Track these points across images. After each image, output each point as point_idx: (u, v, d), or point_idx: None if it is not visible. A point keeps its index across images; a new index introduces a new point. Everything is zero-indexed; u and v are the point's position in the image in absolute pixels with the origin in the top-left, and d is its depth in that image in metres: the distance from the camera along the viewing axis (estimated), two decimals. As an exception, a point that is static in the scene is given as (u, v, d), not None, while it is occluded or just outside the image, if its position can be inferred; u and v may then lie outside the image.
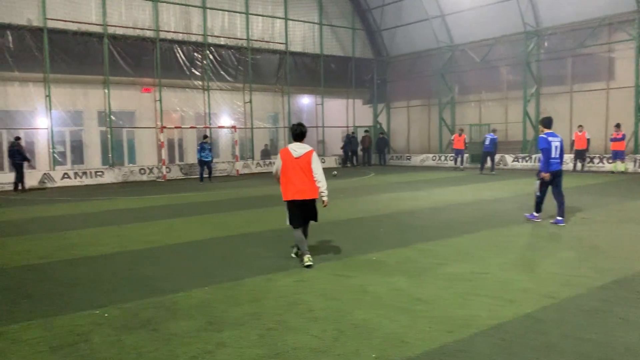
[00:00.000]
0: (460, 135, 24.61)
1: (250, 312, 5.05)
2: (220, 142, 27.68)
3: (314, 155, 7.01)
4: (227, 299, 5.48)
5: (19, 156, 18.77)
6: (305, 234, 7.07)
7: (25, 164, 19.26)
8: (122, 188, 19.94)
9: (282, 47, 28.01)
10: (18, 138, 19.37)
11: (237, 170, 25.26)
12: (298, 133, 7.14)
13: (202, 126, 25.39)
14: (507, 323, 4.59)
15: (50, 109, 21.26)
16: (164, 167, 23.33)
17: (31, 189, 19.76)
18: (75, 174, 21.48)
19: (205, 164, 21.18)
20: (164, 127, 23.41)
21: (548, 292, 5.47)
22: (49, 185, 20.68)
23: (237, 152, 25.71)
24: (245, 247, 8.17)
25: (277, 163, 7.26)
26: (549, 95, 24.68)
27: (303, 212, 7.00)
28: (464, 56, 27.75)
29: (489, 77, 27.06)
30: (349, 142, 29.96)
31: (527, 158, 24.29)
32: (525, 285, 5.72)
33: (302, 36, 29.05)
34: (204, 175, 21.45)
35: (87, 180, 21.63)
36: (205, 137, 21.42)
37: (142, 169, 23.44)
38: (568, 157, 21.48)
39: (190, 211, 12.67)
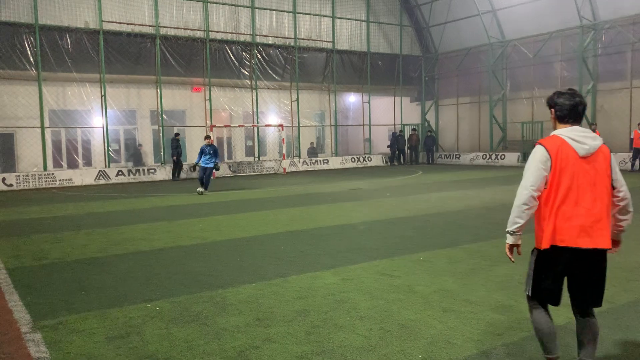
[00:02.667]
0: None
1: (297, 309, 5.09)
2: (268, 140, 28.04)
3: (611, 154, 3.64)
4: (274, 296, 5.54)
5: (174, 151, 21.99)
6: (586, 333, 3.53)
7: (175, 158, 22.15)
8: (173, 185, 20.48)
9: (329, 46, 28.07)
10: (177, 134, 22.60)
11: (284, 169, 25.49)
12: (576, 107, 3.76)
13: (250, 124, 25.78)
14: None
15: (106, 108, 22.07)
16: (213, 164, 23.80)
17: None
18: (129, 171, 22.22)
19: (204, 170, 16.11)
20: (214, 126, 23.90)
21: (605, 296, 5.24)
22: (104, 182, 21.49)
23: (284, 151, 25.96)
24: (292, 245, 8.24)
25: (533, 168, 3.52)
26: (606, 91, 23.70)
27: (580, 274, 3.43)
28: (516, 52, 27.01)
29: (542, 73, 26.24)
30: (396, 140, 29.69)
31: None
32: (580, 289, 5.51)
33: (349, 34, 29.01)
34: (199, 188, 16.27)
35: (140, 177, 22.34)
36: (205, 138, 16.67)
37: (193, 166, 23.97)
38: (627, 156, 20.59)
39: (238, 208, 12.89)
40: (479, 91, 29.45)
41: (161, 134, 23.61)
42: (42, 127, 20.74)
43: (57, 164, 22.40)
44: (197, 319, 4.86)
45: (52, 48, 20.88)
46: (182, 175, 22.79)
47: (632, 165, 20.37)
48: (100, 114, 22.30)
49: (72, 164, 22.75)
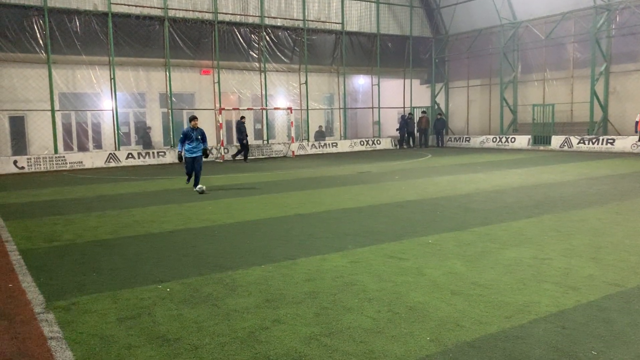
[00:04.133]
0: None
1: (306, 290, 5.13)
2: (276, 123, 27.99)
3: None
4: (283, 278, 5.58)
5: (240, 133, 22.76)
6: None
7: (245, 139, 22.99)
8: (183, 168, 20.54)
9: (338, 27, 27.82)
10: (243, 117, 23.24)
11: (293, 152, 25.48)
12: None
13: (258, 107, 25.74)
14: (569, 310, 4.44)
15: (115, 91, 22.10)
16: (222, 147, 23.85)
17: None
18: (139, 154, 22.32)
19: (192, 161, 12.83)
20: (223, 109, 23.89)
21: (614, 279, 5.25)
22: (114, 164, 21.61)
23: (293, 134, 25.91)
24: (301, 227, 8.26)
25: None
26: (619, 73, 23.36)
27: None
28: (528, 33, 26.63)
29: (554, 54, 25.89)
30: (406, 123, 29.52)
31: (594, 140, 23.15)
32: (590, 272, 5.50)
33: (358, 15, 28.71)
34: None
35: (149, 160, 22.44)
36: (190, 119, 12.94)
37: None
38: (636, 139, 20.35)
39: (247, 191, 12.93)
40: (490, 73, 29.12)
41: (170, 117, 23.64)
42: (53, 110, 20.83)
43: (68, 147, 22.53)
44: (207, 300, 4.92)
45: (62, 31, 20.86)
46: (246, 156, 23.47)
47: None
48: (109, 96, 22.34)
49: (83, 147, 22.88)
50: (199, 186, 12.62)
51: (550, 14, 24.99)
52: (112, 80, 21.96)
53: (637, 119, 19.79)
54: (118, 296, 5.12)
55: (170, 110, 23.56)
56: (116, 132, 22.29)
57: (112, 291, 5.27)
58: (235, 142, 25.00)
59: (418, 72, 31.76)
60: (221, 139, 23.97)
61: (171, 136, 23.74)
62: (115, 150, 22.18)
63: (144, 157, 22.36)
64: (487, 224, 8.14)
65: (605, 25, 23.35)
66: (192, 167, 12.83)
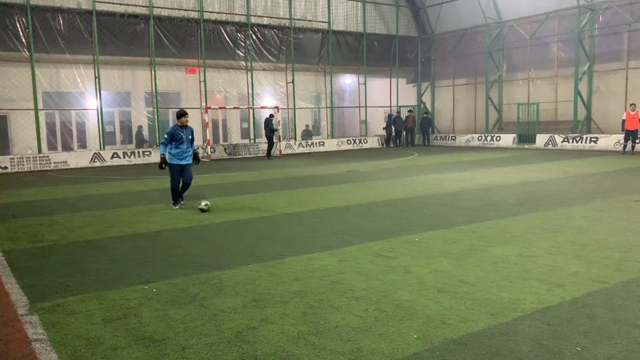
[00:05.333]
0: (633, 111, 20.00)
1: (293, 290, 5.13)
2: (263, 122, 27.91)
3: None
4: (271, 277, 5.57)
5: (268, 130, 23.21)
6: None
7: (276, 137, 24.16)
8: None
9: (324, 26, 27.82)
10: (272, 115, 23.56)
11: (280, 151, 25.44)
12: None
13: (245, 106, 25.65)
14: (554, 307, 4.49)
15: (100, 90, 21.89)
16: (208, 147, 23.74)
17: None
18: (124, 153, 22.13)
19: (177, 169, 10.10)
20: (209, 108, 23.78)
21: (598, 276, 5.31)
22: (99, 164, 21.41)
23: (280, 133, 25.87)
24: (288, 227, 8.26)
25: None
26: (602, 72, 23.66)
27: None
28: (513, 33, 26.85)
29: (539, 54, 26.14)
30: (393, 122, 29.62)
31: (577, 139, 23.42)
32: (574, 270, 5.57)
33: (344, 14, 28.75)
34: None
35: (135, 160, 22.27)
36: (180, 115, 9.99)
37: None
38: (620, 137, 20.62)
39: (234, 191, 12.88)
40: (475, 72, 29.33)
41: (156, 116, 23.48)
42: (36, 110, 20.57)
43: (52, 147, 22.28)
44: (194, 301, 4.89)
45: (45, 29, 20.61)
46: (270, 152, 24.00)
47: (624, 147, 20.39)
48: (94, 96, 22.12)
49: (67, 147, 22.64)
50: (205, 202, 9.61)
51: (534, 14, 25.23)
52: (97, 79, 21.75)
53: (623, 118, 20.04)
54: (104, 297, 5.07)
55: (156, 110, 23.40)
56: (101, 131, 22.09)
57: (98, 292, 5.22)
58: (222, 142, 24.89)
59: (404, 72, 31.88)
60: (207, 137, 23.86)
61: (157, 135, 23.60)
62: (100, 149, 21.98)
63: (130, 157, 22.18)
64: (473, 222, 8.20)
65: (588, 25, 23.63)
66: (179, 178, 9.93)
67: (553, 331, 4.00)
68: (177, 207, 10.28)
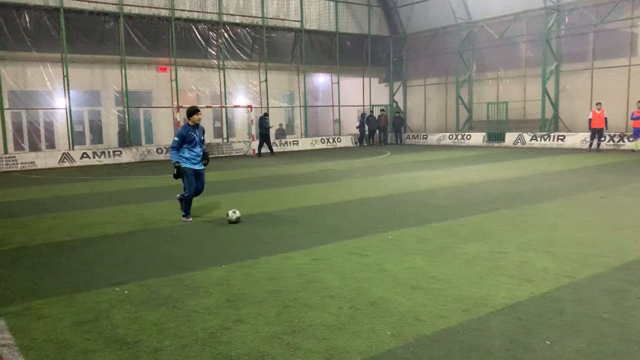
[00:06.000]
0: (599, 110, 20.36)
1: (267, 289, 5.11)
2: (236, 121, 27.75)
3: None
4: (245, 277, 5.55)
5: (263, 128, 23.70)
6: None
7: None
8: (140, 167, 20.15)
9: (297, 25, 27.79)
10: (266, 114, 24.34)
11: (254, 150, 25.32)
12: None
13: (217, 105, 25.44)
14: (525, 302, 4.58)
15: (68, 89, 21.43)
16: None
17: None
18: (94, 153, 21.73)
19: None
20: (180, 107, 23.51)
21: (566, 271, 5.45)
22: (68, 164, 20.97)
23: (253, 132, 25.74)
24: (263, 226, 8.23)
25: None
26: (568, 72, 24.21)
27: None
28: (482, 33, 27.27)
29: (508, 54, 26.61)
30: (366, 121, 29.79)
31: (545, 137, 23.93)
32: (544, 265, 5.69)
33: (317, 13, 28.78)
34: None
35: (105, 160, 21.88)
36: (191, 113, 8.70)
37: (159, 148, 23.63)
38: (586, 136, 21.15)
39: (207, 190, 12.71)
40: (446, 72, 29.70)
41: (127, 115, 23.11)
42: (2, 109, 20.02)
43: (19, 147, 21.71)
44: (167, 302, 4.84)
45: (10, 26, 20.06)
46: (263, 150, 24.55)
47: (590, 145, 20.91)
48: (62, 95, 21.64)
49: (35, 147, 22.09)
50: (234, 212, 8.48)
51: (503, 14, 25.67)
52: (65, 78, 21.29)
53: (589, 116, 20.55)
54: (74, 300, 4.97)
55: (126, 109, 23.03)
56: (70, 131, 21.63)
57: (68, 295, 5.12)
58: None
59: (377, 71, 32.08)
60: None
61: (127, 135, 23.24)
62: (70, 149, 21.52)
63: (100, 157, 21.79)
64: (446, 219, 8.31)
65: (555, 25, 24.16)
66: (195, 185, 8.73)
67: (523, 326, 4.09)
68: (190, 219, 8.78)
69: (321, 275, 5.52)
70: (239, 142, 26.05)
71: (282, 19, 27.42)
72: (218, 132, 26.89)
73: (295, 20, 27.77)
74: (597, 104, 20.48)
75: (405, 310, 4.46)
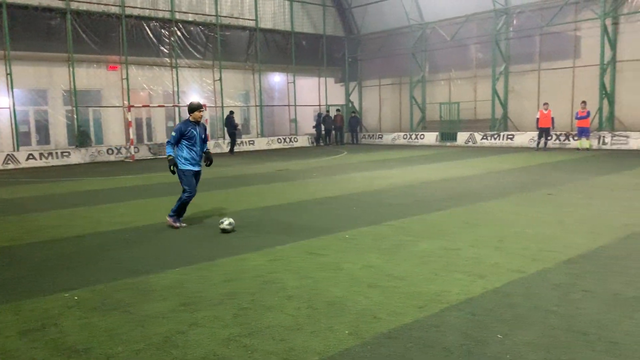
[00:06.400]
0: (546, 110, 20.86)
1: (224, 292, 5.04)
2: (225, 120, 27.25)
3: None
4: (200, 280, 5.45)
5: (231, 127, 24.52)
6: None
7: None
8: (90, 169, 19.54)
9: (252, 24, 27.59)
10: (232, 112, 24.85)
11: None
12: None
13: (170, 104, 24.96)
14: (477, 297, 4.70)
15: (12, 88, 20.54)
16: (132, 147, 22.90)
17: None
18: (41, 154, 20.92)
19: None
20: (132, 106, 22.94)
21: (517, 267, 5.61)
22: (12, 166, 20.11)
23: (208, 132, 25.35)
24: (219, 227, 8.11)
25: None
26: (517, 73, 25.00)
27: None
28: (435, 34, 27.82)
29: (459, 55, 27.24)
30: (323, 120, 29.88)
31: (495, 136, 24.64)
32: (495, 261, 5.85)
33: (272, 12, 28.65)
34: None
35: (53, 161, 21.10)
36: (193, 109, 8.19)
37: (110, 149, 22.99)
38: (534, 135, 21.89)
39: (161, 191, 12.50)
40: (400, 73, 30.13)
41: (75, 115, 22.35)
42: (-61, 108, 19.00)
43: (-42, 148, 20.67)
44: (119, 307, 4.70)
45: (-53, 21, 19.06)
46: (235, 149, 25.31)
47: (537, 144, 21.65)
48: (6, 93, 20.71)
49: (-24, 148, 21.07)
50: (228, 221, 7.68)
51: (454, 16, 26.26)
52: (9, 76, 20.39)
53: (537, 116, 21.27)
54: (20, 307, 4.76)
55: (75, 108, 22.27)
56: (15, 131, 20.73)
57: (14, 302, 4.90)
58: (146, 141, 24.12)
59: (332, 71, 32.23)
60: (131, 137, 23.01)
61: (76, 135, 22.49)
62: (14, 151, 20.64)
63: (47, 158, 21.00)
64: (401, 217, 8.42)
65: (504, 28, 24.90)
66: (192, 186, 8.22)
67: (477, 321, 4.18)
68: (179, 225, 8.17)
69: (279, 276, 5.50)
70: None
71: (236, 18, 27.16)
72: (171, 132, 26.35)
73: (249, 19, 27.56)
74: (544, 104, 21.21)
75: (363, 309, 4.49)
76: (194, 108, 8.06)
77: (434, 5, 27.28)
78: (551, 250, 6.19)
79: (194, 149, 8.05)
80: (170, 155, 7.95)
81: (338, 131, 30.63)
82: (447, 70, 27.95)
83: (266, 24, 28.32)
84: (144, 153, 23.63)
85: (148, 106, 24.64)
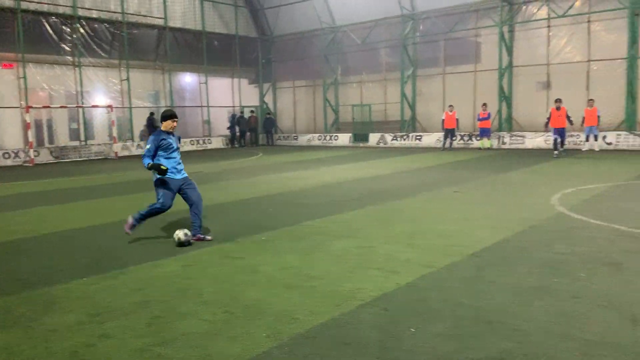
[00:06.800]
0: (451, 111, 21.90)
1: (136, 300, 4.84)
2: (95, 122, 25.93)
3: None
4: (110, 289, 5.20)
5: (152, 128, 23.44)
6: None
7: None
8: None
9: (160, 22, 26.72)
10: (152, 113, 24.22)
11: (116, 153, 23.89)
12: None
13: (73, 105, 23.58)
14: (391, 293, 4.84)
15: None
16: (31, 150, 21.39)
17: None
18: None
19: None
20: (30, 107, 21.43)
21: (427, 261, 5.85)
22: None
23: (115, 134, 24.26)
24: (127, 234, 7.76)
25: None
26: (424, 76, 26.10)
27: None
28: (346, 38, 28.40)
29: (370, 58, 28.01)
30: (238, 122, 29.54)
31: (405, 137, 25.59)
32: (407, 257, 6.07)
33: (182, 11, 27.92)
34: None
35: (-62, 167, 19.24)
36: (166, 117, 7.32)
37: (6, 152, 21.36)
38: (440, 135, 22.97)
39: (63, 198, 11.78)
40: (314, 75, 30.48)
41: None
42: None
43: None
44: (19, 322, 4.37)
45: None
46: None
47: (443, 144, 22.75)
48: None
49: None
50: (184, 232, 6.95)
51: (364, 20, 26.97)
52: None
53: (442, 117, 22.33)
54: None
55: (-37, 109, 20.46)
56: None
57: None
58: (47, 144, 22.63)
59: (246, 72, 31.96)
60: (30, 140, 21.48)
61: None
62: None
63: None
64: (317, 217, 8.51)
65: (411, 32, 25.92)
66: (174, 198, 7.25)
67: (391, 316, 4.31)
68: (130, 232, 7.28)
69: (194, 282, 5.36)
70: (99, 144, 24.40)
71: (144, 15, 26.18)
72: (75, 134, 24.94)
73: (158, 17, 26.68)
74: (449, 106, 22.34)
75: (280, 310, 4.49)
76: (166, 117, 7.23)
77: (345, 9, 27.83)
78: (458, 245, 6.52)
79: (173, 156, 7.16)
80: (150, 163, 6.96)
81: (253, 132, 30.42)
82: (358, 73, 28.63)
83: (175, 22, 27.55)
84: (45, 157, 22.17)
85: (48, 107, 23.11)
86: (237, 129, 29.60)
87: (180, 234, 6.88)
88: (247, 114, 30.58)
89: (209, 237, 7.22)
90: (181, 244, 6.83)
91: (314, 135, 29.61)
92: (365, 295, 4.81)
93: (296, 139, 30.37)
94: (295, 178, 14.16)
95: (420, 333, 3.96)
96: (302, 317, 4.32)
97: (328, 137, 28.86)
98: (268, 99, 32.73)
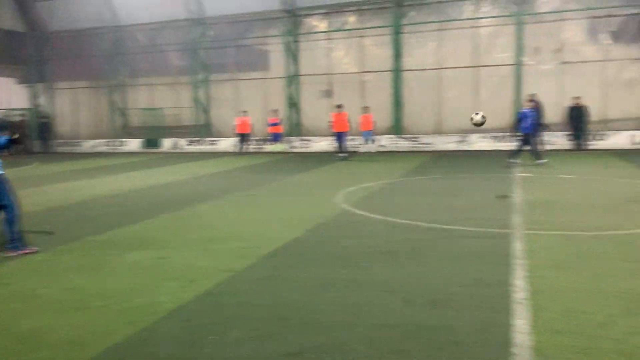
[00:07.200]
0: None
1: None
2: None
3: None
4: None
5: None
6: None
7: None
8: None
9: None
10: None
11: None
12: None
13: None
14: (189, 303, 4.72)
15: None
16: None
17: None
18: None
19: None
20: None
21: (224, 266, 5.85)
22: None
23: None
24: None
25: None
26: (216, 82, 26.11)
27: None
28: (132, 38, 26.98)
29: (159, 61, 27.01)
30: (5, 127, 25.79)
31: (200, 142, 25.30)
32: (204, 264, 5.99)
33: None
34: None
35: None
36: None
37: None
38: (235, 140, 23.26)
39: None
40: (98, 76, 28.25)
41: None
42: None
43: None
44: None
45: None
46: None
47: (240, 148, 23.10)
48: None
49: None
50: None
51: (151, 22, 25.93)
52: None
53: (235, 123, 22.60)
54: None
55: None
56: None
57: None
58: None
59: (13, 70, 28.16)
60: None
61: None
62: None
63: None
64: (106, 230, 7.89)
65: (201, 37, 25.72)
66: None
67: (190, 327, 4.20)
68: (35, 248, 6.61)
69: (-50, 317, 4.52)
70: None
71: None
72: None
73: None
74: (242, 112, 22.75)
75: (63, 337, 4.04)
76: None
77: (130, 8, 26.33)
78: (255, 247, 6.66)
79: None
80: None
81: (24, 139, 26.93)
82: (148, 75, 27.37)
83: None
84: None
85: None
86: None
87: None
88: (15, 118, 26.98)
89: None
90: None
91: (100, 140, 27.47)
92: (161, 308, 4.61)
93: (79, 145, 27.82)
94: (79, 188, 12.95)
95: (220, 340, 3.93)
96: (89, 342, 3.95)
97: (117, 143, 27.04)
98: (43, 101, 29.33)
